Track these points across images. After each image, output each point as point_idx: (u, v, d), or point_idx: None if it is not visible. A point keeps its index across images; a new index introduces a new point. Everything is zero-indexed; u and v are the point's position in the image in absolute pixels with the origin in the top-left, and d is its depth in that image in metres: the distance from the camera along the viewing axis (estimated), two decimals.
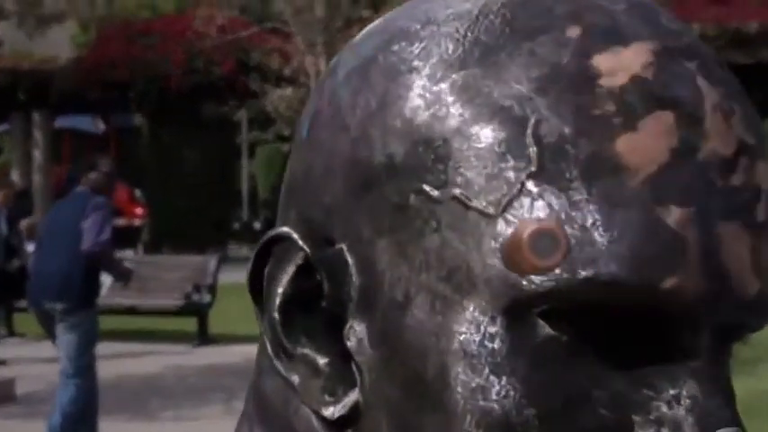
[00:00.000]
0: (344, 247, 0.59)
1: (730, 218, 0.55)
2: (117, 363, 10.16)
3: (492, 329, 0.54)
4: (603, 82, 0.55)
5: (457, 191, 0.55)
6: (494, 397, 0.54)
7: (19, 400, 9.18)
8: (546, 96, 0.55)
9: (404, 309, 0.56)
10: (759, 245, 0.55)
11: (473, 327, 0.55)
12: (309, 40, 13.49)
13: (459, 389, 0.54)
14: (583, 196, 0.54)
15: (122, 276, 7.81)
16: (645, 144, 0.54)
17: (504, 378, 0.54)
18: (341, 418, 0.59)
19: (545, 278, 0.53)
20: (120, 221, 19.24)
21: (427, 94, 0.57)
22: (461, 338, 0.55)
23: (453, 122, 0.56)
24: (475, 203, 0.55)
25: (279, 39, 15.09)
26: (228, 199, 23.95)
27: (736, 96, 0.58)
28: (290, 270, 0.60)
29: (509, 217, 0.54)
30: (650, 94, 0.55)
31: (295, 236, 0.61)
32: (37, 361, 10.29)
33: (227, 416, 8.11)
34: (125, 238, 17.91)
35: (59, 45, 21.21)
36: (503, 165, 0.55)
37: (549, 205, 0.54)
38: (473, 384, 0.54)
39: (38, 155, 21.89)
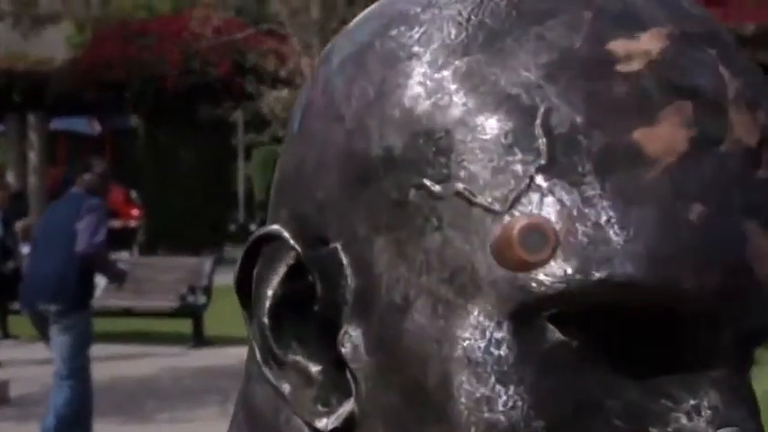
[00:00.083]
0: (339, 246, 0.55)
1: (755, 213, 0.51)
2: (112, 364, 10.16)
3: (498, 335, 0.51)
4: (618, 68, 0.52)
5: (460, 186, 0.52)
6: (500, 408, 0.50)
7: (13, 402, 9.19)
8: (556, 84, 0.52)
9: (403, 313, 0.53)
10: None
11: (478, 332, 0.51)
12: (305, 42, 13.52)
13: (463, 399, 0.51)
14: (596, 191, 0.50)
15: (117, 278, 7.88)
16: (663, 134, 0.51)
17: (512, 387, 0.50)
18: (335, 430, 0.55)
19: (555, 280, 0.50)
20: (116, 223, 19.32)
21: (428, 82, 0.54)
22: (465, 345, 0.51)
23: (456, 112, 0.53)
24: (480, 199, 0.51)
25: (275, 40, 15.12)
26: (224, 201, 23.98)
27: (759, 86, 0.54)
28: (281, 271, 0.57)
29: (516, 214, 0.51)
30: (669, 82, 0.52)
31: (286, 234, 0.57)
32: (31, 363, 10.29)
33: (222, 418, 8.10)
34: (121, 239, 17.99)
35: (55, 46, 21.21)
36: (510, 158, 0.51)
37: (560, 201, 0.50)
38: (478, 394, 0.51)
39: (33, 156, 21.92)
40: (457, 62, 0.53)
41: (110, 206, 8.62)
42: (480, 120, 0.52)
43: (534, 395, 0.50)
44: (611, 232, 0.50)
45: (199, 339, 12.24)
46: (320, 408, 0.56)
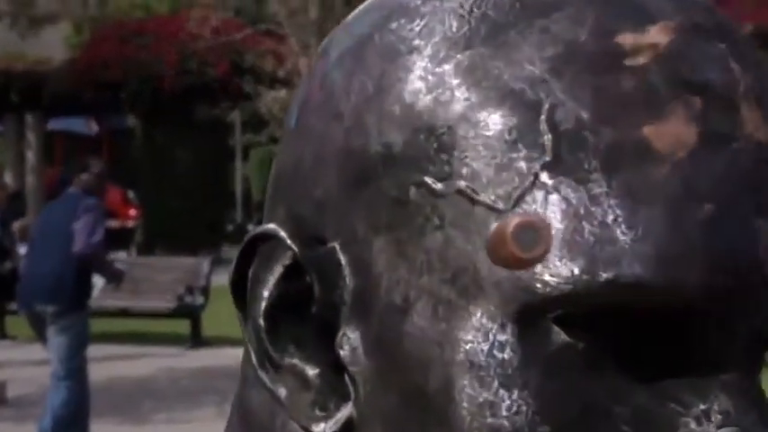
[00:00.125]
0: (337, 245, 0.54)
1: (766, 211, 0.50)
2: (109, 365, 10.15)
3: (501, 338, 0.49)
4: (625, 62, 0.50)
5: (462, 183, 0.50)
6: (504, 413, 0.49)
7: (10, 402, 9.17)
8: (561, 78, 0.50)
9: (403, 314, 0.51)
10: None
11: (480, 335, 0.50)
12: (303, 42, 13.51)
13: (465, 404, 0.49)
14: (603, 189, 0.49)
15: (114, 278, 7.88)
16: (672, 130, 0.49)
17: (516, 392, 0.49)
18: None
19: (561, 280, 0.48)
20: (114, 223, 19.31)
21: (429, 77, 0.52)
22: (467, 348, 0.50)
23: (458, 108, 0.51)
24: (482, 197, 0.50)
25: (273, 41, 15.11)
26: (222, 201, 23.97)
27: None
28: (277, 271, 0.55)
29: (520, 212, 0.49)
30: (678, 76, 0.50)
31: (282, 234, 0.55)
32: (28, 364, 10.27)
33: (219, 418, 8.08)
34: (118, 239, 17.97)
35: (53, 46, 21.18)
36: (514, 154, 0.50)
37: (566, 199, 0.49)
38: (480, 399, 0.49)
39: (31, 156, 21.92)
40: (459, 56, 0.52)
41: (107, 206, 8.60)
42: (483, 115, 0.50)
43: (539, 400, 0.49)
44: (618, 231, 0.48)
45: (196, 340, 12.22)
46: (318, 412, 0.54)
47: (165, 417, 8.68)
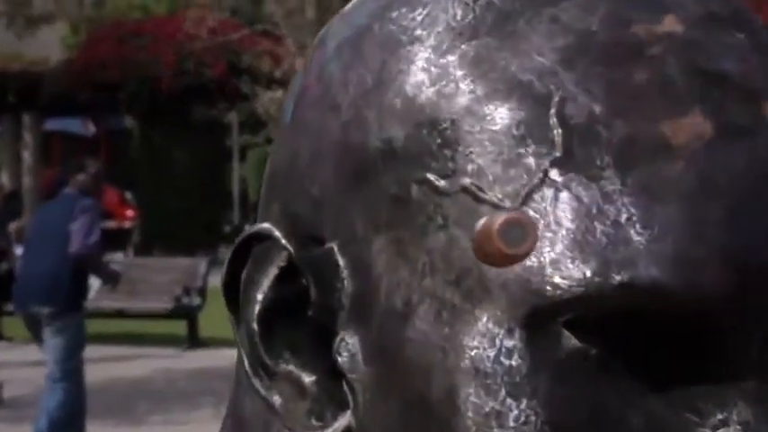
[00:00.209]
0: (335, 246, 0.51)
1: None
2: (105, 366, 10.15)
3: (509, 343, 0.47)
4: (639, 53, 0.48)
5: (467, 181, 0.48)
6: (511, 424, 0.46)
7: (6, 404, 9.20)
8: (573, 70, 0.48)
9: (404, 319, 0.49)
10: None
11: (486, 340, 0.47)
12: (300, 43, 13.52)
13: (470, 414, 0.47)
14: (616, 186, 0.46)
15: (110, 279, 7.92)
16: (689, 124, 0.47)
17: (524, 401, 0.46)
18: None
19: (573, 283, 0.46)
20: (111, 224, 19.33)
21: (432, 68, 0.49)
22: (472, 354, 0.47)
23: (463, 101, 0.48)
24: (488, 195, 0.47)
25: (270, 41, 15.13)
26: (219, 202, 23.99)
27: None
28: (272, 273, 0.53)
29: (529, 211, 0.46)
30: (695, 67, 0.48)
31: (277, 233, 0.53)
32: (24, 365, 10.27)
33: (216, 420, 8.07)
34: (115, 240, 17.99)
35: (49, 46, 21.17)
36: (522, 150, 0.47)
37: (577, 197, 0.46)
38: (487, 408, 0.47)
39: (27, 157, 21.94)
40: (463, 46, 0.49)
41: (104, 207, 8.61)
42: (489, 109, 0.48)
43: (549, 408, 0.46)
44: (632, 231, 0.46)
45: (193, 341, 12.25)
46: (314, 422, 0.52)
47: (162, 418, 8.70)
